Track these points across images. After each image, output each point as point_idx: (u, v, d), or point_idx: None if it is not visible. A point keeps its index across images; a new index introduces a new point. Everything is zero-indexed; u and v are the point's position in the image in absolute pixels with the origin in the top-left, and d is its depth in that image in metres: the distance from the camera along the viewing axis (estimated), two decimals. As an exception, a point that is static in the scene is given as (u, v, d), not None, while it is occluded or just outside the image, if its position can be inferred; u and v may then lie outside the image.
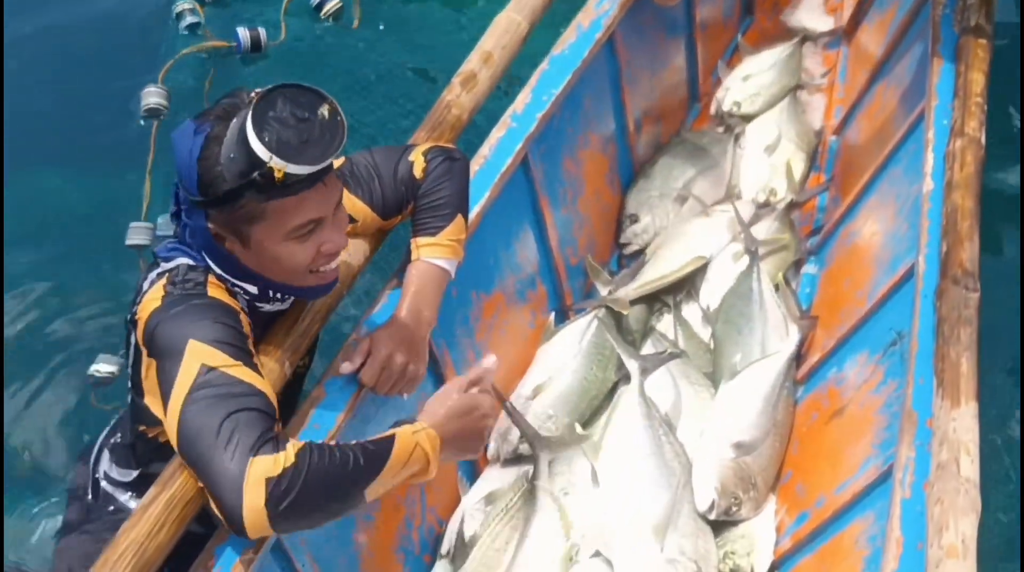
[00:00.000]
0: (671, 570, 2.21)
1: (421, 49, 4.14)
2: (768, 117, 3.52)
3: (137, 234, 3.24)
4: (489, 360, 2.01)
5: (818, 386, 2.66)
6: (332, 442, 1.71)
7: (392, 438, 1.68)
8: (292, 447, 1.55)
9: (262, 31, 3.92)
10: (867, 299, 2.58)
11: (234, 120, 1.61)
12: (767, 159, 3.39)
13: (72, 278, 3.31)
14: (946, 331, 2.04)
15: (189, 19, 3.98)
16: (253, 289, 1.80)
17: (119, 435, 2.09)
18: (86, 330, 3.18)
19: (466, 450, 1.88)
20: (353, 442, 1.66)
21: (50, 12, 4.17)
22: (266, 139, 1.56)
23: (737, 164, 3.41)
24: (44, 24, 4.12)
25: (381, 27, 4.22)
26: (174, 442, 1.61)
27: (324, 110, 1.62)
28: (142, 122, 3.61)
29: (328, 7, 4.14)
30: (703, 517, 2.38)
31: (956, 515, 1.76)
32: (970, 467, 1.83)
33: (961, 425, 1.88)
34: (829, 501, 2.26)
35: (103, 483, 2.10)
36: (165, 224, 3.22)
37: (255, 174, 1.59)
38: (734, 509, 2.39)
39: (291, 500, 1.51)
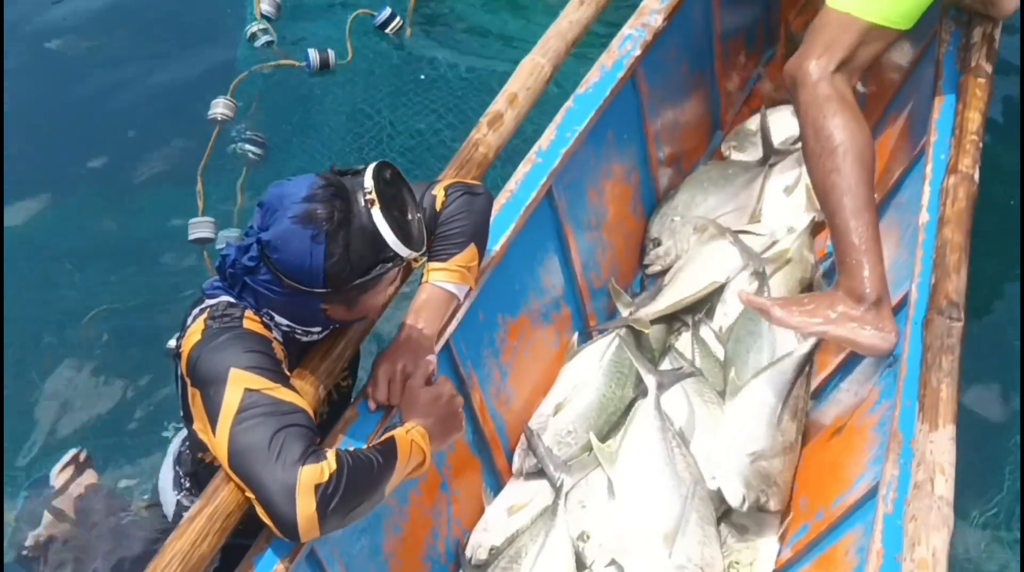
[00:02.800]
0: (678, 575, 2.39)
1: (479, 60, 4.36)
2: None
3: (199, 229, 3.50)
4: (430, 356, 2.22)
5: (823, 403, 2.82)
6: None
7: (392, 439, 1.93)
8: (331, 454, 1.79)
9: (331, 52, 4.18)
10: (869, 322, 2.73)
11: (354, 223, 1.86)
12: (791, 189, 3.51)
13: (140, 272, 3.58)
14: (929, 358, 2.19)
15: (263, 39, 4.25)
16: (284, 322, 2.02)
17: (183, 463, 2.29)
18: (159, 313, 3.42)
19: (449, 433, 2.11)
20: (364, 447, 1.90)
21: (129, 25, 4.53)
22: (399, 237, 1.89)
23: (764, 193, 3.54)
24: (123, 31, 4.49)
25: (436, 39, 4.47)
26: (224, 461, 1.82)
27: (412, 206, 1.98)
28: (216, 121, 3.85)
29: (393, 24, 4.39)
30: (710, 526, 2.55)
31: (928, 531, 1.92)
32: (944, 486, 1.99)
33: (938, 447, 2.04)
34: (827, 514, 2.42)
35: (182, 514, 2.30)
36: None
37: (388, 263, 1.92)
38: (763, 500, 2.55)
39: (338, 501, 1.75)
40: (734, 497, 2.54)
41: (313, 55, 4.15)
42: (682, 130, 3.61)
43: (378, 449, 1.89)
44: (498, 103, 2.75)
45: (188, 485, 2.28)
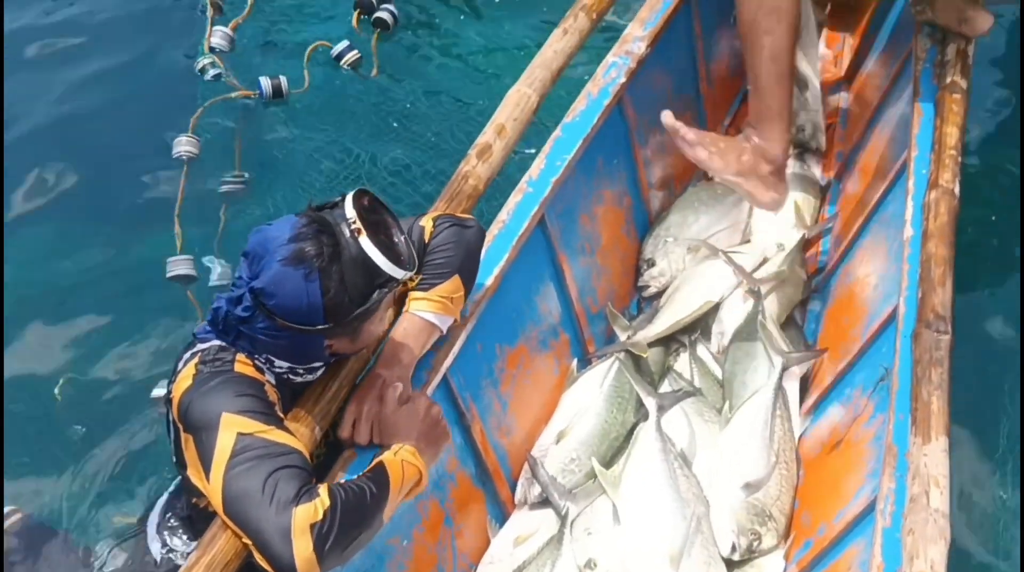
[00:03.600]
0: (684, 597, 2.42)
1: (436, 95, 4.41)
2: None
3: (177, 266, 3.53)
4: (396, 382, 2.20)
5: (821, 418, 2.85)
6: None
7: (381, 464, 1.96)
8: (323, 490, 1.80)
9: (283, 80, 4.22)
10: (861, 337, 2.78)
11: (344, 255, 1.89)
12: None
13: (122, 316, 3.55)
14: (919, 372, 2.23)
15: (212, 72, 4.29)
16: (285, 365, 2.04)
17: (176, 508, 2.31)
18: (143, 360, 3.41)
19: (437, 443, 2.15)
20: (356, 477, 1.92)
21: (83, 65, 4.53)
22: (390, 259, 1.92)
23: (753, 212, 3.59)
24: (76, 78, 4.46)
25: (398, 76, 4.50)
26: (218, 506, 1.82)
27: (396, 228, 2.01)
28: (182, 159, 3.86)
29: (348, 58, 4.45)
30: (715, 546, 2.57)
31: (926, 544, 1.95)
32: (939, 499, 2.02)
33: (932, 460, 2.08)
34: (829, 529, 2.45)
35: (170, 555, 2.31)
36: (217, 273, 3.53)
37: (384, 288, 1.94)
38: (756, 544, 2.56)
39: (334, 538, 1.76)
40: (724, 546, 2.55)
41: (265, 83, 4.19)
42: (671, 153, 3.64)
43: (369, 478, 1.91)
44: (486, 134, 2.79)
45: (173, 523, 2.29)
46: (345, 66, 4.46)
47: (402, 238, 2.01)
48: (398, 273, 1.94)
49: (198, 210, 3.80)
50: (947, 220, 2.51)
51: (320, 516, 1.75)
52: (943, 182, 2.58)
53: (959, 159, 2.65)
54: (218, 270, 3.54)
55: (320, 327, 1.93)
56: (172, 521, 2.32)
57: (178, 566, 2.28)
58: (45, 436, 3.18)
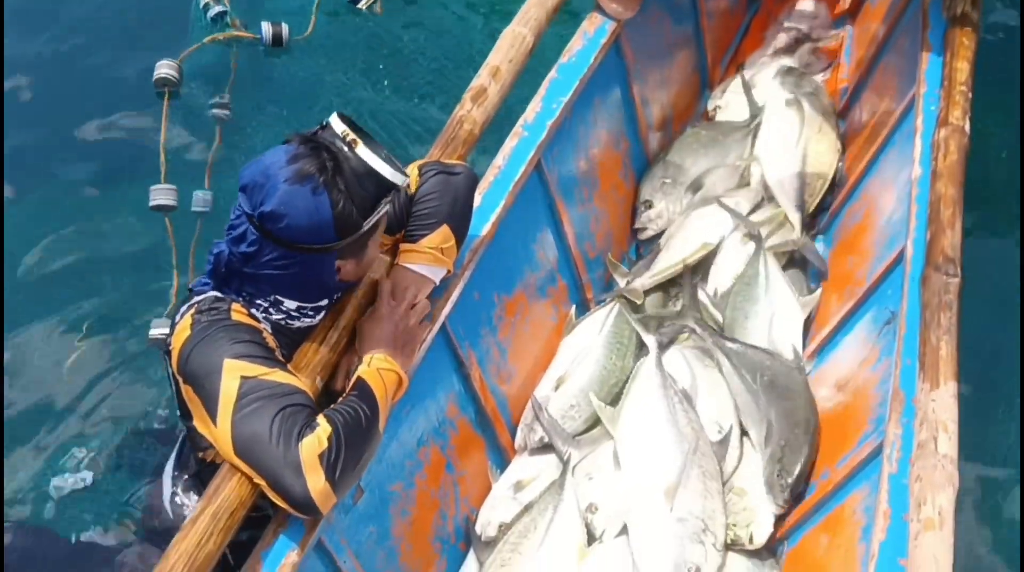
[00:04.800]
0: (680, 528, 2.40)
1: (441, 36, 4.31)
2: (774, 125, 3.50)
3: (160, 195, 3.44)
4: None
5: (825, 361, 2.82)
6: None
7: (361, 380, 1.97)
8: (322, 420, 1.82)
9: (285, 27, 4.08)
10: (866, 278, 2.73)
11: (345, 167, 1.87)
12: (778, 148, 3.48)
13: (103, 248, 3.52)
14: (927, 316, 2.19)
15: (215, 8, 4.11)
16: (293, 305, 2.01)
17: (187, 466, 2.28)
18: (133, 297, 3.38)
19: (412, 344, 2.15)
20: (339, 400, 1.92)
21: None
22: (390, 165, 1.93)
23: (756, 152, 3.51)
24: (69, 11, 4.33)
25: (399, 19, 4.37)
26: (228, 451, 1.82)
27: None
28: (158, 92, 3.76)
29: (364, 1, 4.31)
30: (712, 480, 2.52)
31: (934, 490, 1.92)
32: (947, 444, 1.99)
33: (940, 405, 2.04)
34: (832, 474, 2.43)
35: (176, 513, 2.29)
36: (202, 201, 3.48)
37: (387, 196, 1.94)
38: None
39: (343, 462, 1.80)
40: None
41: (266, 28, 4.05)
42: (669, 93, 3.57)
43: (356, 397, 1.92)
44: (481, 77, 2.71)
45: (185, 480, 2.28)
46: (363, 8, 4.32)
47: (384, 151, 1.99)
48: (398, 178, 1.94)
49: (185, 141, 3.75)
50: (957, 159, 2.44)
51: (326, 445, 1.78)
52: (953, 119, 2.51)
53: (969, 95, 2.58)
54: (199, 197, 3.48)
55: (332, 245, 1.90)
56: (184, 478, 2.31)
57: None
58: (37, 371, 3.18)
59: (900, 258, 2.50)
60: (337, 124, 1.92)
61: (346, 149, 1.89)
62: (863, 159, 3.14)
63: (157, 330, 3.11)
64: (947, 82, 2.62)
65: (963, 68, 2.64)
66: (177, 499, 2.29)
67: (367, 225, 1.92)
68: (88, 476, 2.89)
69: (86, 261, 3.48)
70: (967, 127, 2.52)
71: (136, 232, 3.52)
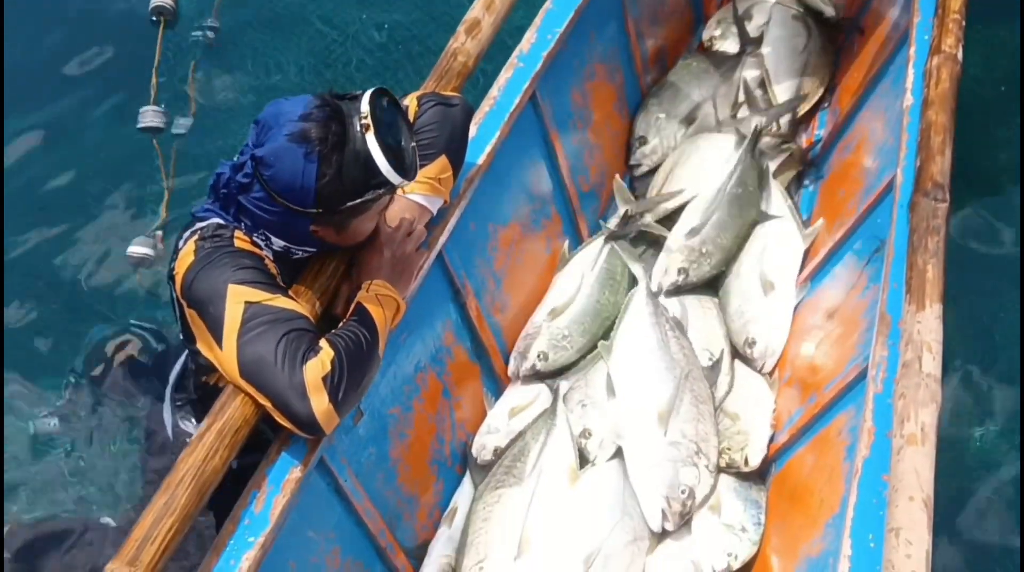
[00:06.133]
0: (673, 451, 2.47)
1: None
2: (776, 33, 3.58)
3: (147, 117, 3.44)
4: None
5: (816, 289, 2.86)
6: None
7: (360, 305, 2.02)
8: (324, 344, 1.87)
9: None
10: (857, 208, 2.76)
11: (348, 147, 1.87)
12: (767, 78, 3.50)
13: (94, 170, 3.57)
14: (915, 240, 2.21)
15: None
16: (281, 243, 2.04)
17: (186, 389, 2.34)
18: (117, 217, 3.46)
19: (409, 271, 2.20)
20: (339, 325, 1.97)
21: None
22: (392, 164, 1.91)
23: (748, 81, 3.53)
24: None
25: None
26: (233, 373, 1.87)
27: (408, 137, 1.99)
28: (153, 20, 3.70)
29: None
30: (704, 404, 2.59)
31: (917, 407, 1.95)
32: (931, 363, 2.02)
33: (925, 326, 2.07)
34: (819, 397, 2.48)
35: (178, 440, 2.36)
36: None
37: (381, 189, 1.93)
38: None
39: (345, 385, 1.85)
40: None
41: None
42: (664, 25, 3.57)
43: (356, 321, 1.97)
44: (475, 10, 2.70)
45: (183, 405, 2.34)
46: None
47: (411, 146, 1.99)
48: (395, 178, 1.93)
49: (176, 67, 3.76)
50: (948, 87, 2.44)
51: (329, 368, 1.83)
52: (946, 47, 2.51)
53: (963, 23, 2.57)
54: (182, 120, 3.50)
55: (309, 211, 1.92)
56: (181, 402, 2.36)
57: None
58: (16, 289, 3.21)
59: (890, 187, 2.52)
60: (364, 103, 1.90)
61: (358, 129, 1.88)
62: (857, 91, 3.15)
63: (136, 249, 3.14)
64: (940, 10, 2.62)
65: (957, -5, 2.64)
66: (181, 424, 2.35)
67: (347, 205, 1.92)
68: (76, 401, 2.94)
69: (72, 182, 3.54)
70: (959, 55, 2.52)
71: (122, 153, 3.55)
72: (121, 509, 2.72)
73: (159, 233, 3.20)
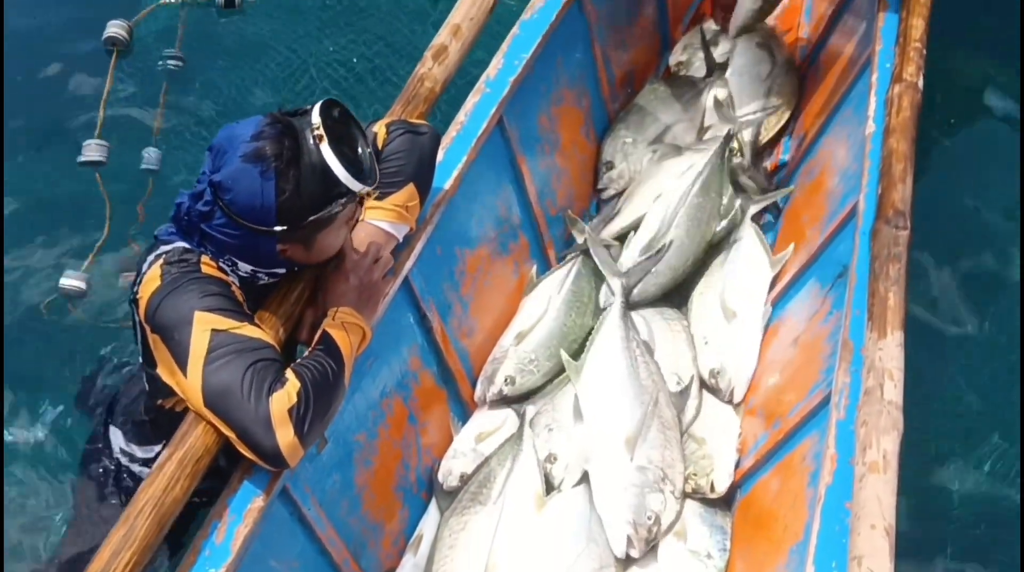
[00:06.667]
0: (640, 477, 2.47)
1: None
2: (741, 59, 3.61)
3: (90, 151, 3.43)
4: None
5: (780, 314, 2.88)
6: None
7: (326, 333, 2.00)
8: (291, 374, 1.86)
9: None
10: (820, 234, 2.78)
11: (304, 160, 1.87)
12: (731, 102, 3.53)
13: (31, 200, 3.50)
14: (877, 267, 2.24)
15: None
16: (248, 268, 2.03)
17: (131, 413, 2.31)
18: (52, 248, 3.37)
19: (375, 298, 2.18)
20: (306, 354, 1.96)
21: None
22: (350, 171, 1.91)
23: (713, 107, 3.56)
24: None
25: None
26: (197, 402, 1.85)
27: (363, 142, 1.99)
28: (107, 50, 3.72)
29: None
30: (671, 430, 2.59)
31: (879, 434, 1.98)
32: (893, 391, 2.04)
33: (887, 353, 2.10)
34: (784, 423, 2.49)
35: (125, 462, 2.33)
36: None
37: (341, 199, 1.92)
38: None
39: (311, 417, 1.85)
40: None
41: None
42: (631, 50, 3.59)
43: (322, 351, 1.96)
44: (442, 36, 2.71)
45: (129, 428, 2.32)
46: None
47: (367, 152, 1.99)
48: (355, 185, 1.93)
49: (135, 98, 3.73)
50: (910, 115, 2.48)
51: (295, 400, 1.82)
52: (907, 75, 2.55)
53: (924, 52, 2.62)
54: (151, 155, 3.47)
55: (273, 229, 1.91)
56: (129, 425, 2.33)
57: (135, 473, 2.32)
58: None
59: (853, 213, 2.55)
60: (315, 115, 1.90)
61: (311, 142, 1.88)
62: (821, 117, 3.19)
63: (68, 281, 3.10)
64: (902, 39, 2.66)
65: (918, 25, 2.68)
66: (127, 446, 2.33)
67: (311, 219, 1.92)
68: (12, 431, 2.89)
69: (14, 215, 3.46)
70: (920, 83, 2.56)
71: (68, 186, 3.50)
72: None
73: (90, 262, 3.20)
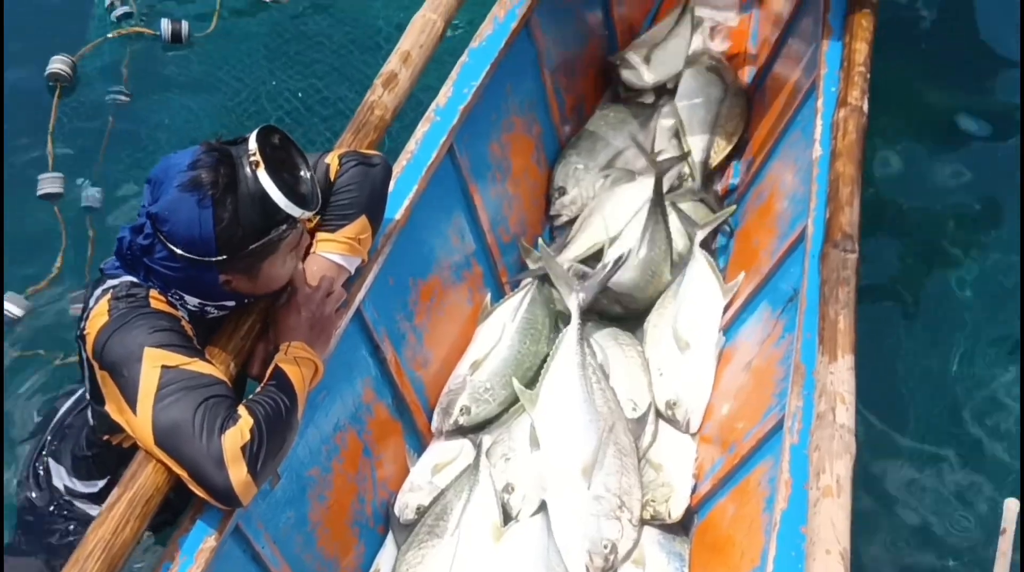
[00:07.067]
0: (596, 505, 2.46)
1: (345, 23, 4.23)
2: (690, 83, 3.66)
3: (47, 184, 3.43)
4: None
5: (733, 339, 2.89)
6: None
7: (278, 368, 1.98)
8: (243, 411, 1.83)
9: (185, 24, 4.00)
10: (771, 257, 2.81)
11: (241, 187, 1.84)
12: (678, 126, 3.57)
13: None
14: (826, 291, 2.26)
15: (121, 9, 4.03)
16: (195, 301, 2.00)
17: (74, 448, 2.25)
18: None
19: (327, 331, 2.16)
20: (258, 390, 1.93)
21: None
22: (289, 198, 1.88)
23: (662, 131, 3.59)
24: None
25: (309, 5, 4.31)
26: (147, 440, 1.81)
27: (304, 166, 1.97)
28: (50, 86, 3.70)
29: None
30: (628, 457, 2.59)
31: (832, 459, 1.99)
32: (845, 415, 2.06)
33: (838, 377, 2.11)
34: (739, 448, 2.50)
35: (67, 498, 2.27)
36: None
37: (282, 226, 1.89)
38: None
39: (264, 454, 1.82)
40: None
41: (165, 25, 3.97)
42: (580, 76, 3.61)
43: (275, 386, 1.93)
44: (391, 63, 2.70)
45: (71, 463, 2.26)
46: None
47: (308, 176, 1.97)
48: (295, 210, 1.90)
49: (79, 133, 3.68)
50: (855, 138, 2.52)
51: (248, 437, 1.79)
52: (852, 100, 2.59)
53: (868, 76, 2.66)
54: (91, 193, 3.45)
55: (213, 259, 1.88)
56: (70, 460, 2.27)
57: (76, 508, 2.26)
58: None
59: (802, 237, 2.57)
60: (251, 141, 1.88)
61: (248, 169, 1.86)
62: (769, 141, 3.22)
63: (10, 306, 3.10)
64: (846, 63, 2.70)
65: (862, 49, 2.72)
66: (68, 481, 2.27)
67: (253, 247, 1.89)
68: None
69: None
70: (865, 107, 2.60)
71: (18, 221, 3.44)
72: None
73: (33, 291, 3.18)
